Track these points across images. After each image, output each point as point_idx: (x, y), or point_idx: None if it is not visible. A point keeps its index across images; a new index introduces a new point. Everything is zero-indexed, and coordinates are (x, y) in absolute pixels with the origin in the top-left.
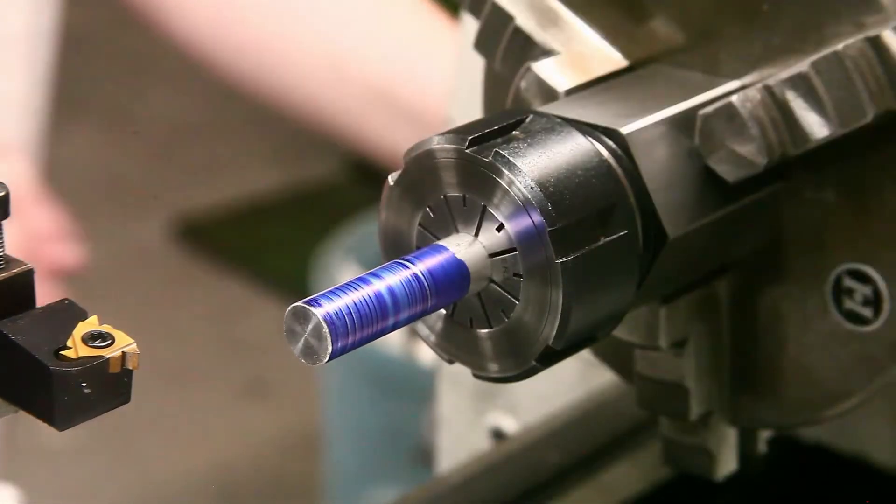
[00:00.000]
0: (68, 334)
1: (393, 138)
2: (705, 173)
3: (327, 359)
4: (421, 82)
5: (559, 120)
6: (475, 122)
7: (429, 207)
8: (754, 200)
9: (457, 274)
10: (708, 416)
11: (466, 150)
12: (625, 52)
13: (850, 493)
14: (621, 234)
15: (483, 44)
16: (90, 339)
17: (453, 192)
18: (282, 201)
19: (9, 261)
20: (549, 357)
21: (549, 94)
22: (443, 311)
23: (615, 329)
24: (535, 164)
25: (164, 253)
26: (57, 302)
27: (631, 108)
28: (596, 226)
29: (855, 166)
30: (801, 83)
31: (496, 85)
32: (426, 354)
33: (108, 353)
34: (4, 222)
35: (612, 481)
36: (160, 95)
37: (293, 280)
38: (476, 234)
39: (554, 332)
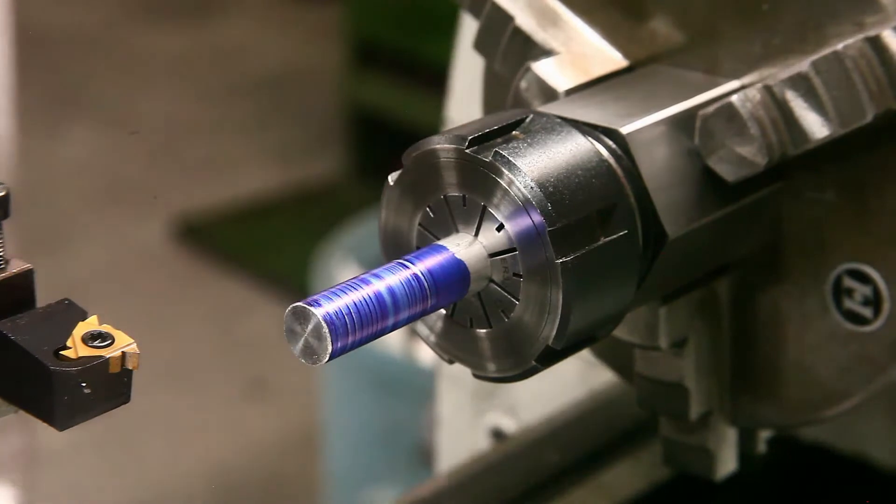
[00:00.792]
0: (68, 334)
1: None
2: (705, 173)
3: (327, 359)
4: None
5: (559, 120)
6: (475, 122)
7: (429, 207)
8: (754, 200)
9: (457, 274)
10: (708, 416)
11: (466, 150)
12: (625, 52)
13: (849, 492)
14: (621, 234)
15: (483, 44)
16: (90, 339)
17: (453, 192)
18: (282, 201)
19: (9, 261)
20: (549, 357)
21: (549, 94)
22: (443, 311)
23: (615, 329)
24: (535, 164)
25: (164, 253)
26: (57, 302)
27: (631, 108)
28: (596, 226)
29: (855, 166)
30: (801, 83)
31: (496, 85)
32: (426, 354)
33: (108, 353)
34: (4, 222)
35: (612, 481)
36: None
37: (293, 280)
38: (476, 234)
39: (554, 332)
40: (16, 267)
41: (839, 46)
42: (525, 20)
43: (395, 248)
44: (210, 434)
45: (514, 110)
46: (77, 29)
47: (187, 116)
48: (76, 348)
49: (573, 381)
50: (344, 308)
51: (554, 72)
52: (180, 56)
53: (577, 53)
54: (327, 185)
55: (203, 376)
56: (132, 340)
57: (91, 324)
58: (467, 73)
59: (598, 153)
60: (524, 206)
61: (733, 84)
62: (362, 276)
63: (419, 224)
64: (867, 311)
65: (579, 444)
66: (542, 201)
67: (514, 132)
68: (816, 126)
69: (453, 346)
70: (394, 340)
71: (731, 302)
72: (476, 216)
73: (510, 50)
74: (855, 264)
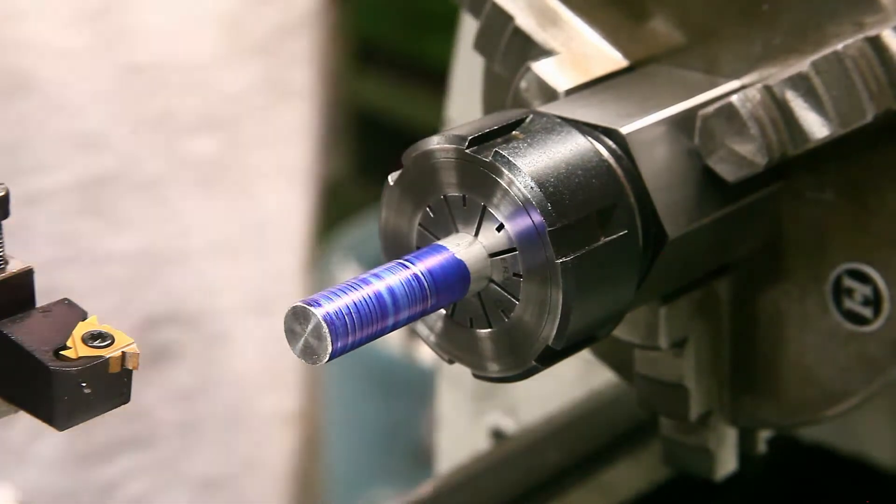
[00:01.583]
0: (68, 334)
1: None
2: (705, 173)
3: (327, 359)
4: None
5: (559, 120)
6: (475, 122)
7: (429, 207)
8: (754, 200)
9: (457, 274)
10: (708, 416)
11: (466, 150)
12: (625, 52)
13: (849, 492)
14: (621, 234)
15: (483, 44)
16: (90, 339)
17: (453, 192)
18: None
19: (9, 261)
20: (549, 357)
21: (549, 94)
22: (443, 311)
23: (615, 329)
24: (534, 163)
25: None
26: (57, 302)
27: (631, 108)
28: (596, 226)
29: (855, 166)
30: (801, 83)
31: (496, 85)
32: (426, 354)
33: (108, 353)
34: (4, 222)
35: (612, 481)
36: None
37: None
38: (476, 234)
39: (554, 332)
40: (16, 267)
41: (839, 46)
42: (525, 20)
43: (395, 248)
44: None
45: (514, 110)
46: None
47: None
48: (76, 348)
49: (573, 381)
50: (344, 308)
51: (554, 72)
52: None
53: (577, 53)
54: (328, 184)
55: None
56: (132, 340)
57: (91, 324)
58: (467, 73)
59: (598, 153)
60: (524, 206)
61: (733, 84)
62: (362, 276)
63: (419, 224)
64: (867, 311)
65: (579, 444)
66: (542, 201)
67: (514, 132)
68: (816, 126)
69: (453, 346)
70: (394, 340)
71: (731, 302)
72: (476, 216)
73: (510, 50)
74: (855, 264)
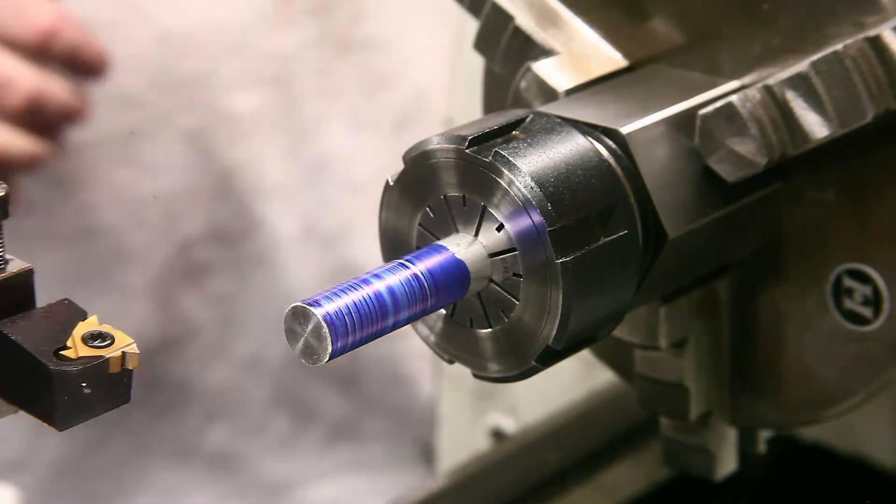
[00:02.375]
0: (68, 334)
1: None
2: (705, 173)
3: (327, 359)
4: None
5: (559, 120)
6: (475, 122)
7: (429, 207)
8: (754, 200)
9: (457, 274)
10: (708, 416)
11: (466, 150)
12: (625, 52)
13: (849, 493)
14: (621, 234)
15: (483, 44)
16: (90, 339)
17: (453, 192)
18: None
19: (9, 261)
20: (549, 357)
21: (549, 94)
22: (443, 311)
23: (615, 329)
24: (534, 163)
25: None
26: (57, 302)
27: (631, 108)
28: (596, 226)
29: (855, 166)
30: (801, 83)
31: (496, 85)
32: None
33: (108, 353)
34: (4, 222)
35: (612, 481)
36: None
37: None
38: (476, 234)
39: (554, 332)
40: (16, 267)
41: (839, 46)
42: (525, 20)
43: (395, 248)
44: None
45: (514, 110)
46: None
47: None
48: (76, 348)
49: (573, 381)
50: (344, 308)
51: (554, 72)
52: None
53: (577, 53)
54: None
55: None
56: (132, 340)
57: (91, 324)
58: (467, 73)
59: (598, 153)
60: (524, 206)
61: (733, 84)
62: (362, 277)
63: (419, 224)
64: (867, 311)
65: (579, 444)
66: (542, 201)
67: (514, 132)
68: (816, 126)
69: (453, 346)
70: None
71: (731, 302)
72: (476, 216)
73: (510, 50)
74: (855, 264)
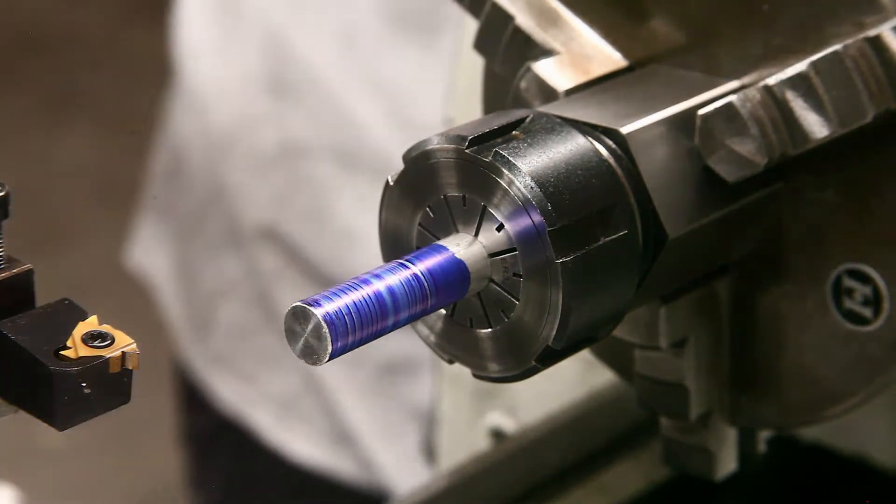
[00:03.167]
0: (68, 334)
1: None
2: (705, 173)
3: (327, 359)
4: None
5: (559, 120)
6: (475, 122)
7: (429, 207)
8: (754, 200)
9: (457, 274)
10: (708, 416)
11: (466, 150)
12: (625, 52)
13: (849, 493)
14: (621, 234)
15: (483, 44)
16: (90, 339)
17: (453, 192)
18: None
19: (9, 261)
20: (549, 357)
21: (549, 94)
22: (443, 311)
23: (615, 329)
24: (534, 163)
25: None
26: (57, 302)
27: (631, 108)
28: (596, 226)
29: (855, 166)
30: (801, 83)
31: (496, 85)
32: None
33: (108, 353)
34: (4, 223)
35: (612, 481)
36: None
37: None
38: (476, 234)
39: (554, 332)
40: (16, 267)
41: (839, 46)
42: (525, 20)
43: (395, 248)
44: None
45: (514, 110)
46: (77, 29)
47: None
48: (76, 348)
49: (573, 381)
50: (344, 308)
51: (554, 72)
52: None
53: (577, 53)
54: None
55: None
56: (132, 340)
57: (91, 324)
58: (467, 73)
59: (598, 153)
60: (524, 206)
61: (733, 84)
62: (362, 276)
63: (419, 224)
64: (867, 311)
65: (579, 444)
66: (542, 201)
67: (514, 132)
68: (816, 126)
69: (453, 346)
70: None
71: (731, 302)
72: (476, 216)
73: (510, 50)
74: (855, 264)
